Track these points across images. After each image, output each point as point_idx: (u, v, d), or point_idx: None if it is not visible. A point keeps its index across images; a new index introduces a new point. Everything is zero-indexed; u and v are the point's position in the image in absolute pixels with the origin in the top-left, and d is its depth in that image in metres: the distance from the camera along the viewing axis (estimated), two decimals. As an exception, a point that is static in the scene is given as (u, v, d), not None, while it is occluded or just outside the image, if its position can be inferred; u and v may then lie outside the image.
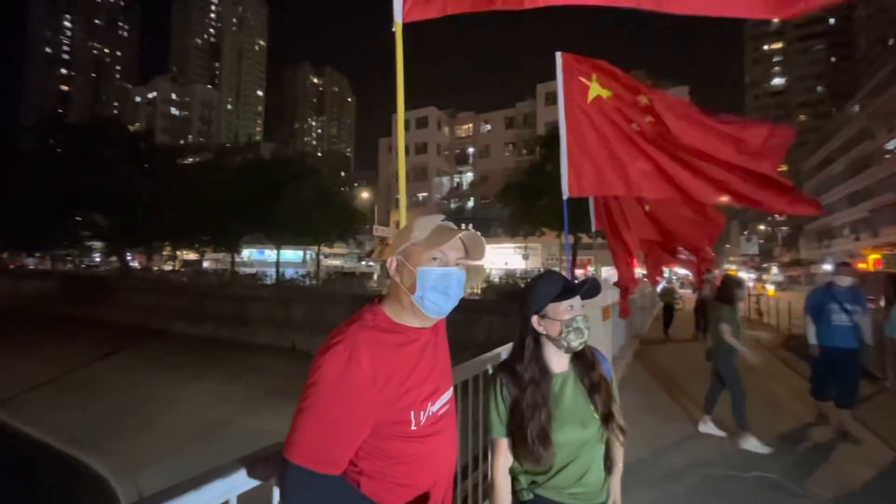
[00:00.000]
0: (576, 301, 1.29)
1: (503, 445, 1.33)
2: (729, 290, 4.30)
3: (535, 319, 1.32)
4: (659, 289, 14.06)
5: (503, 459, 1.33)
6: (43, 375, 14.15)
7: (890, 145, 37.17)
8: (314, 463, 0.84)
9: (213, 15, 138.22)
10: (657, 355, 8.43)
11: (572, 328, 1.27)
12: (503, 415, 1.32)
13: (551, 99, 35.19)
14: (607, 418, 1.31)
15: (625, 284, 5.59)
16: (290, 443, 0.85)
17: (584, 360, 1.36)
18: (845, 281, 4.42)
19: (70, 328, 22.77)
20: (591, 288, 1.30)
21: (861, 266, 35.05)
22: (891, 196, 35.70)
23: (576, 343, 1.28)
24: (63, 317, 26.18)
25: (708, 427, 4.32)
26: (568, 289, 1.29)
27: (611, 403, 1.32)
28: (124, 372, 15.32)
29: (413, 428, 0.95)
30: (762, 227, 77.51)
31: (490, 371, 2.27)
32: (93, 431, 9.84)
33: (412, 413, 0.95)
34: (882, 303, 7.34)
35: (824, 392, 4.49)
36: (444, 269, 0.99)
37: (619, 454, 1.41)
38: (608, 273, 32.15)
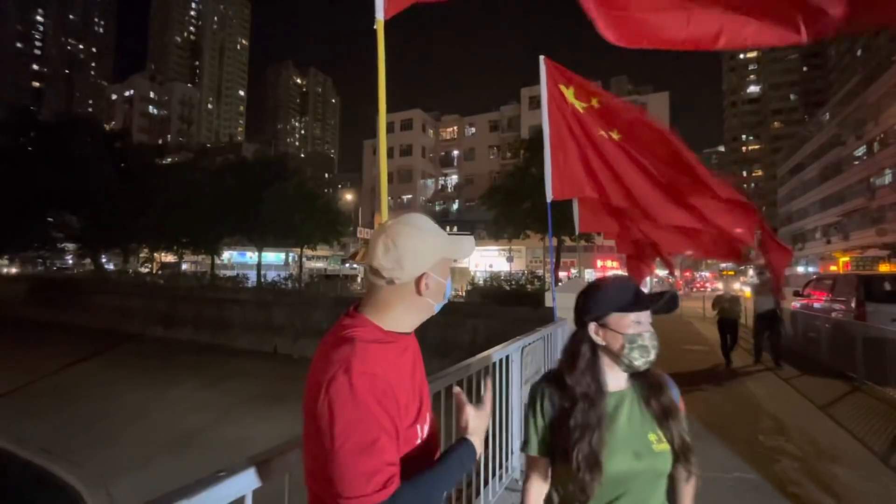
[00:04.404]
0: (645, 315, 1.13)
1: (539, 465, 1.19)
2: None
3: (592, 327, 1.15)
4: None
5: (537, 481, 1.20)
6: (10, 383, 13.58)
7: (858, 152, 38.61)
8: (377, 494, 0.75)
9: (193, 12, 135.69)
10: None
11: (637, 345, 1.11)
12: (542, 430, 1.17)
13: (535, 103, 35.55)
14: (684, 451, 1.11)
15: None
16: (343, 489, 0.75)
17: (647, 379, 1.18)
18: None
19: (39, 333, 21.89)
20: (668, 303, 1.13)
21: (832, 268, 36.25)
22: (860, 201, 37.05)
23: (639, 362, 1.12)
24: (32, 321, 25.17)
25: None
26: (640, 300, 1.13)
27: (684, 433, 1.13)
28: (97, 378, 14.80)
29: (419, 442, 0.90)
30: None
31: (474, 376, 2.23)
32: (64, 441, 9.46)
33: (418, 427, 0.89)
34: (853, 304, 7.58)
35: None
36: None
37: (688, 494, 1.19)
38: (591, 276, 32.57)
